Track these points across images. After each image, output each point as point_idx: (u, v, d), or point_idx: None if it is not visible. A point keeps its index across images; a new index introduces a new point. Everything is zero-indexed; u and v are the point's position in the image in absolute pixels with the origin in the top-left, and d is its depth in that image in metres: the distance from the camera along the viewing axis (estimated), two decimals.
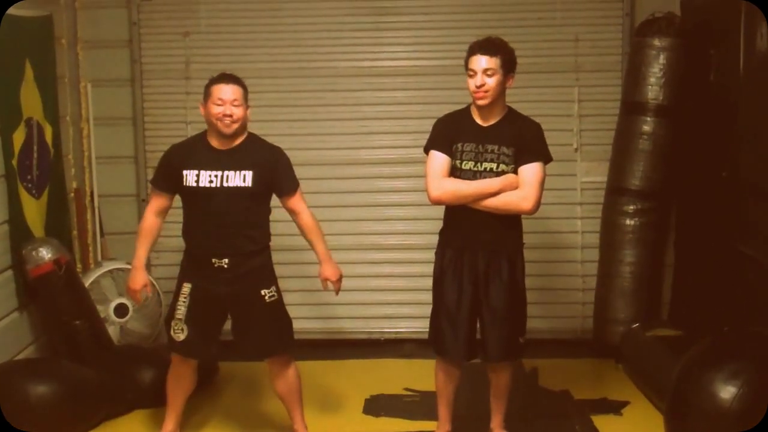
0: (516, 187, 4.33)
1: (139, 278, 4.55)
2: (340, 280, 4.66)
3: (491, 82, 4.28)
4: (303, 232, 4.60)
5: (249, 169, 4.38)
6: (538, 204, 4.36)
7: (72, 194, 6.20)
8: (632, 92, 5.89)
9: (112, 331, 5.73)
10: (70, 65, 6.20)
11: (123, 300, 5.85)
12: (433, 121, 4.57)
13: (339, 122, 6.43)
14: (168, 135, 5.99)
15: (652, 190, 5.90)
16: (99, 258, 6.31)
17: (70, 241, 6.03)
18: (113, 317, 5.82)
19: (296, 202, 4.54)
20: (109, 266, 5.93)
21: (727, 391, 4.01)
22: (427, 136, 4.54)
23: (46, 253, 5.17)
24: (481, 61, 4.29)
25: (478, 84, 4.28)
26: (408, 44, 6.42)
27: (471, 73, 4.32)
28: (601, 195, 6.17)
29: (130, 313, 5.88)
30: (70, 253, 5.65)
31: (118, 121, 6.41)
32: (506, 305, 4.45)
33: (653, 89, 5.78)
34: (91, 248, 6.34)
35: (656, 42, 5.75)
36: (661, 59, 5.74)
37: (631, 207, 5.93)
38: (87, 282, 5.71)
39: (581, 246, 6.39)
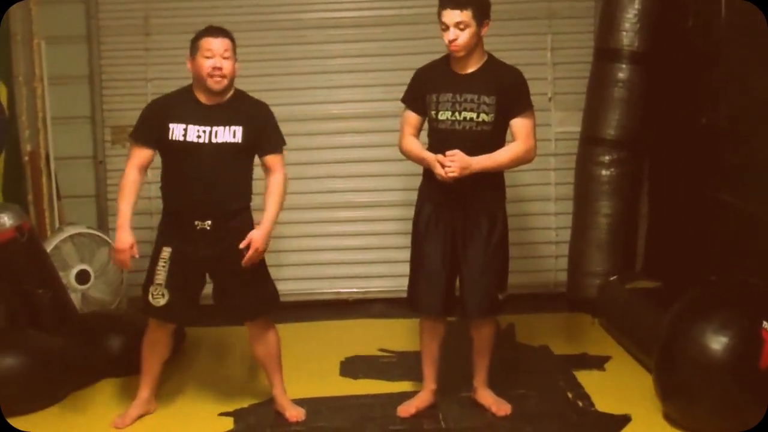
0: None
1: (125, 238, 4.24)
2: (257, 251, 4.26)
3: (464, 35, 4.20)
4: (266, 191, 4.38)
5: (239, 125, 4.25)
6: (536, 152, 4.40)
7: (27, 157, 6.01)
8: (606, 39, 5.80)
9: (74, 298, 5.55)
10: (23, 21, 5.99)
11: (84, 266, 5.67)
12: (404, 73, 4.54)
13: (305, 76, 6.29)
14: (127, 93, 5.88)
15: (628, 140, 5.83)
16: (57, 223, 6.11)
17: (26, 206, 5.84)
18: (74, 284, 5.65)
19: (277, 161, 4.38)
20: (69, 231, 5.74)
21: (718, 342, 3.99)
22: (398, 88, 4.49)
23: (7, 220, 4.91)
24: (453, 15, 4.19)
25: (451, 38, 4.21)
26: None
27: (443, 27, 4.23)
28: (575, 145, 6.09)
29: (92, 280, 5.70)
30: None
31: (74, 79, 6.24)
32: (484, 261, 4.37)
33: (628, 35, 5.70)
34: (47, 213, 6.14)
35: None
36: (636, 4, 5.67)
37: (607, 157, 5.85)
38: (48, 248, 5.49)
39: (554, 198, 6.35)
